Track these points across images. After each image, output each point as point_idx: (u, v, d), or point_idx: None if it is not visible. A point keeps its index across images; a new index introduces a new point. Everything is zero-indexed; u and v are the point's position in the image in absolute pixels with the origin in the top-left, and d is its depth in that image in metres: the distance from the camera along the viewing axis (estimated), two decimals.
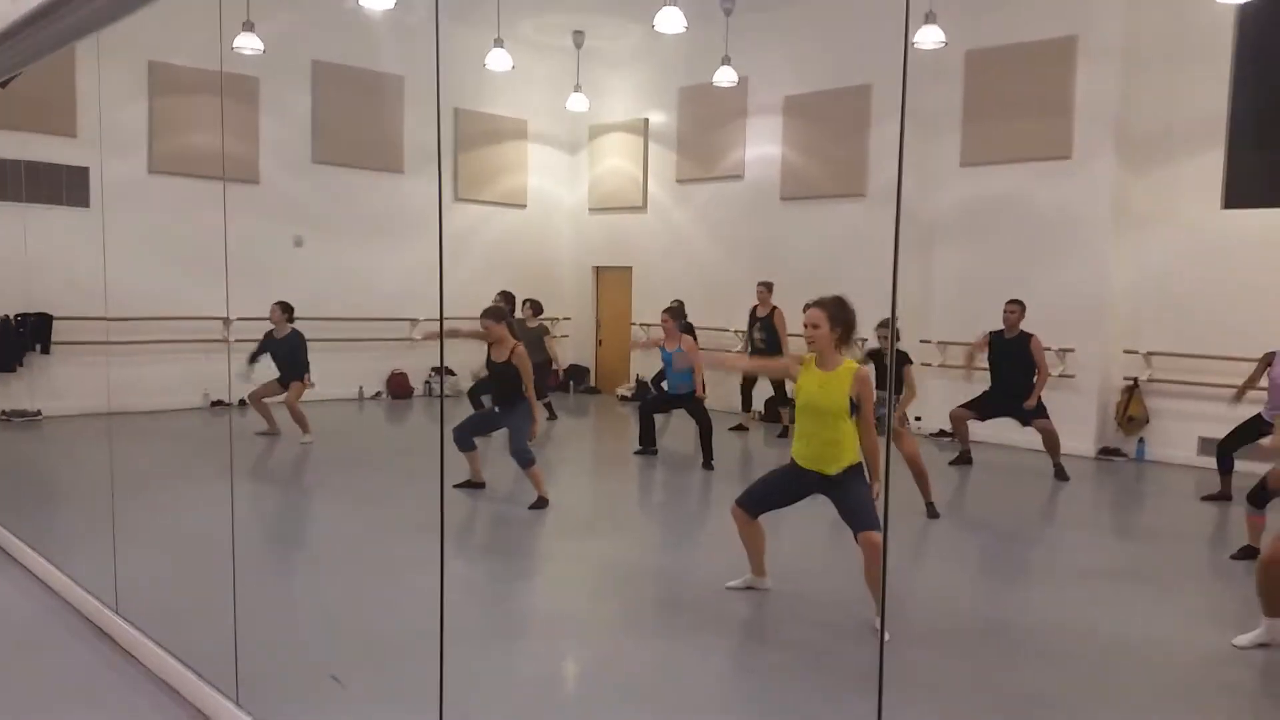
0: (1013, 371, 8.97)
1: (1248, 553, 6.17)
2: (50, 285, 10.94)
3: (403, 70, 13.49)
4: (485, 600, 5.35)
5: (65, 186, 11.12)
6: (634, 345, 12.89)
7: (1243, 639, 4.79)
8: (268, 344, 10.00)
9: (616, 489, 8.96)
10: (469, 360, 13.86)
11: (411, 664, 4.27)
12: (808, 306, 4.93)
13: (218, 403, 12.07)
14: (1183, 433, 9.96)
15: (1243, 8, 9.09)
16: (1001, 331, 9.05)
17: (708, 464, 9.21)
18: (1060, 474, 8.99)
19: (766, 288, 11.35)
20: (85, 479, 7.89)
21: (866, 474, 4.95)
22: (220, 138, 12.00)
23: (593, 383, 15.73)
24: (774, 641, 4.93)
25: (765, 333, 11.20)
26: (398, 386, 13.90)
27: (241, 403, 10.49)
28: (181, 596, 5.18)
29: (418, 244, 13.74)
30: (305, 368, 10.01)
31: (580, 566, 6.21)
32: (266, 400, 10.06)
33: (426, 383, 14.18)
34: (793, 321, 10.74)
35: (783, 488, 5.15)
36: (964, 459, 9.50)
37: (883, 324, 7.94)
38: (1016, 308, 8.99)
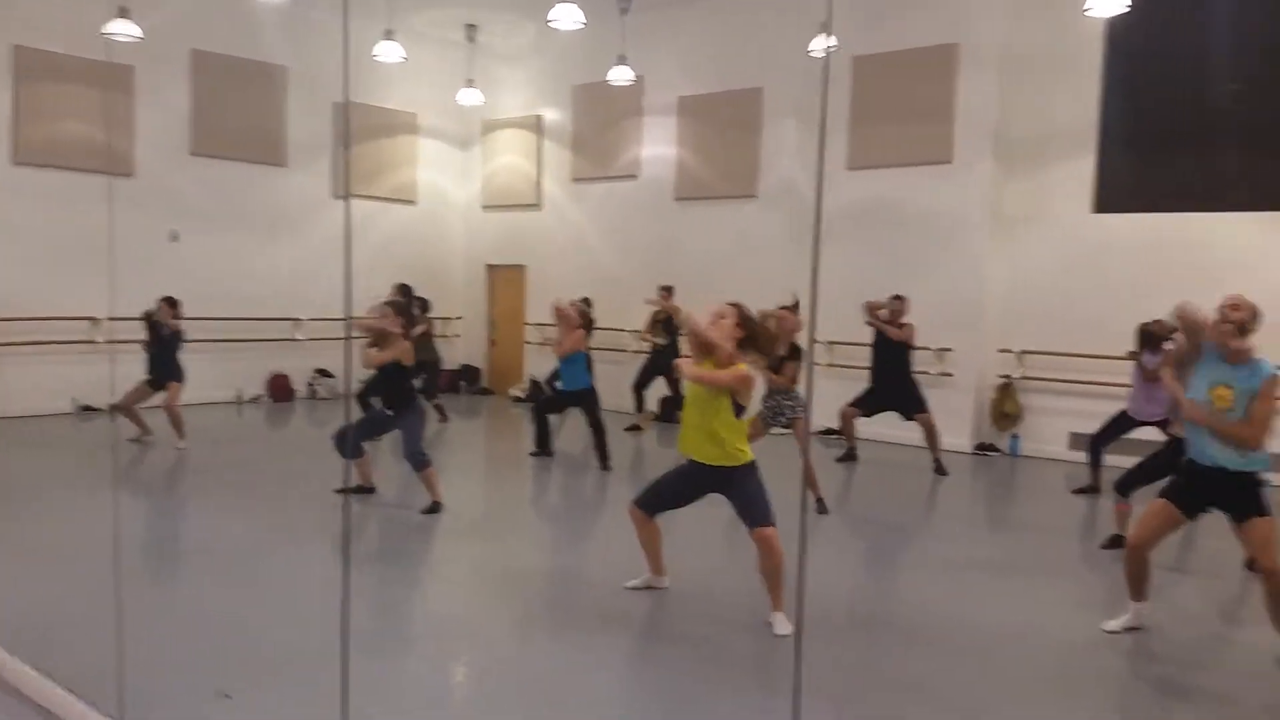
0: (896, 367, 9.25)
1: (1115, 542, 6.50)
2: None
3: (286, 61, 13.09)
4: (381, 607, 5.23)
5: None
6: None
7: (1112, 624, 5.05)
8: (149, 339, 9.56)
9: (512, 492, 8.88)
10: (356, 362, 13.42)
11: (306, 675, 4.15)
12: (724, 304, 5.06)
13: (87, 408, 11.46)
14: (1054, 428, 10.45)
15: (1112, 20, 9.54)
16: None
17: (604, 465, 9.18)
18: (939, 469, 9.31)
19: (667, 291, 11.41)
20: None
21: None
22: (90, 128, 11.43)
23: (485, 384, 15.56)
24: (671, 638, 4.96)
25: (667, 334, 11.27)
26: (279, 389, 13.46)
27: (114, 408, 9.91)
28: (55, 614, 4.91)
29: (300, 240, 13.38)
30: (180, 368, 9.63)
31: (476, 571, 6.13)
32: (138, 405, 9.61)
33: (310, 385, 13.78)
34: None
35: (679, 487, 5.19)
36: (850, 456, 9.75)
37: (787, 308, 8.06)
38: (898, 304, 9.29)
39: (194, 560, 6.30)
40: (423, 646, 4.82)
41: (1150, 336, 7.76)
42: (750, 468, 4.99)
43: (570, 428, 11.09)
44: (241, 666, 4.33)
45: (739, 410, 4.93)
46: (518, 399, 14.50)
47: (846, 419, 9.58)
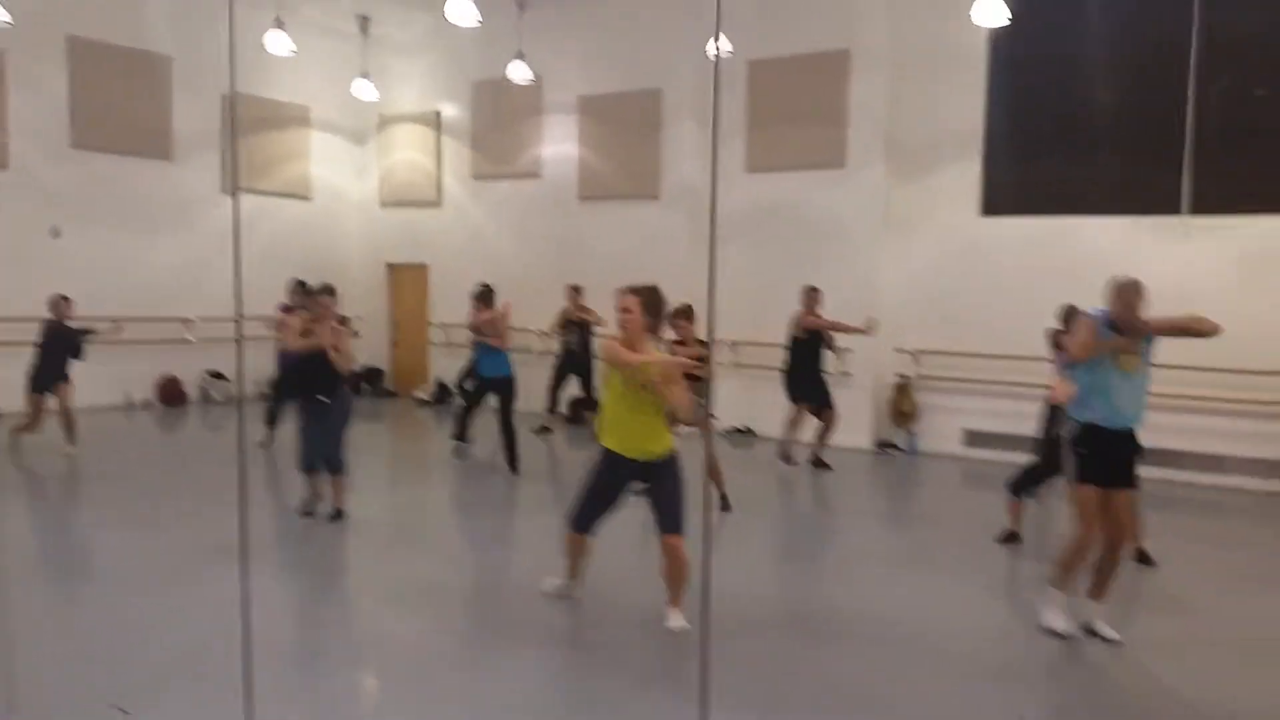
0: (813, 361, 9.44)
1: (1011, 538, 6.79)
2: None
3: (171, 50, 12.58)
4: (288, 621, 5.09)
5: None
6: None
7: (1058, 621, 5.09)
8: (48, 338, 9.06)
9: (421, 497, 8.74)
10: (257, 364, 13.13)
11: (207, 690, 4.02)
12: (621, 293, 4.92)
13: None
14: (950, 425, 10.80)
15: (996, 29, 9.88)
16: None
17: (514, 469, 9.04)
18: (821, 463, 9.51)
19: (576, 290, 11.36)
20: None
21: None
22: None
23: (389, 385, 15.25)
24: (585, 645, 4.98)
25: (579, 335, 11.23)
26: (169, 393, 12.95)
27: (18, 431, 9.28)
28: None
29: (188, 236, 12.91)
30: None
31: (387, 580, 6.02)
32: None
33: (202, 387, 13.30)
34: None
35: (606, 491, 5.06)
36: (789, 460, 9.63)
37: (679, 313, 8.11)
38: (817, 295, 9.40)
39: (89, 571, 6.03)
40: (331, 659, 4.72)
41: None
42: (674, 458, 4.99)
43: (479, 430, 10.92)
44: (138, 681, 4.17)
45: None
46: (423, 401, 14.25)
47: (796, 419, 9.55)
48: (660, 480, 4.95)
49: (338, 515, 7.05)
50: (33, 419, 9.07)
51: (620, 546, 6.66)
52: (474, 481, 9.16)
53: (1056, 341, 6.53)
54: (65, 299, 9.14)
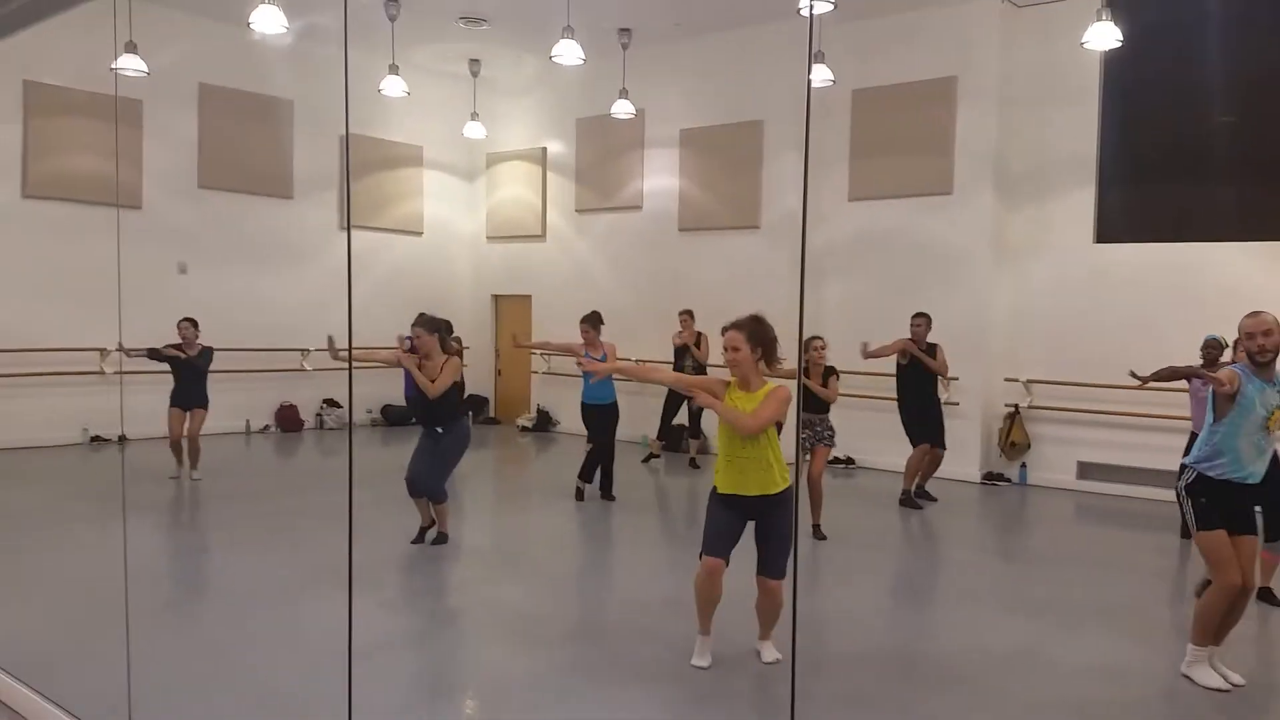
0: (930, 394, 9.30)
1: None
2: None
3: (292, 94, 13.24)
4: (392, 645, 5.22)
5: None
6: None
7: (1208, 678, 4.76)
8: (176, 364, 9.42)
9: (524, 523, 8.87)
10: (370, 392, 13.67)
11: (313, 714, 4.15)
12: (726, 329, 4.74)
13: (97, 438, 11.51)
14: (1062, 457, 10.45)
15: (1107, 54, 9.65)
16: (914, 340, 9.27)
17: (609, 494, 9.15)
18: (926, 497, 9.34)
19: (689, 315, 11.48)
20: None
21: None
22: (98, 161, 11.52)
23: (493, 413, 15.59)
24: (684, 675, 4.96)
25: (692, 360, 11.35)
26: (287, 419, 13.51)
27: (122, 438, 9.92)
28: (67, 645, 4.91)
29: (307, 271, 13.47)
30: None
31: (488, 606, 6.09)
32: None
33: (318, 415, 13.82)
34: (715, 348, 11.00)
35: (725, 527, 4.82)
36: (918, 498, 9.38)
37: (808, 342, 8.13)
38: (924, 320, 9.21)
39: (206, 595, 6.30)
40: (433, 687, 4.81)
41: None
42: (789, 494, 4.77)
43: (563, 453, 11.03)
44: (249, 706, 4.32)
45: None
46: (524, 428, 14.52)
47: (914, 460, 9.26)
48: (776, 515, 4.74)
49: (440, 539, 7.21)
50: (176, 435, 9.45)
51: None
52: (575, 510, 9.17)
53: (1197, 372, 5.95)
54: (191, 322, 9.51)
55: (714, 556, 4.74)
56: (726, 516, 4.78)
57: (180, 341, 9.42)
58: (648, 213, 13.55)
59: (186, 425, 9.44)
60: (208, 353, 9.56)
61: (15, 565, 6.51)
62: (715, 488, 4.82)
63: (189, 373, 9.44)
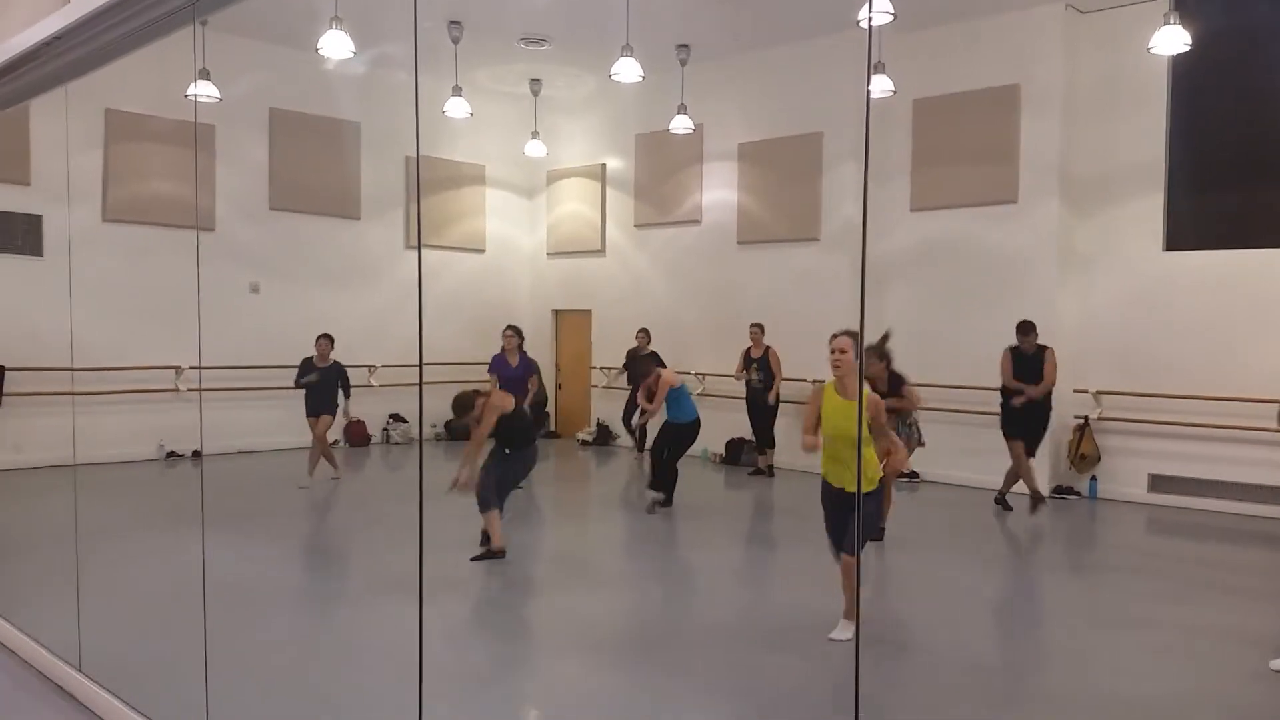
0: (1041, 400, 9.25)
1: None
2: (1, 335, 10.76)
3: (359, 117, 13.55)
4: (463, 657, 5.31)
5: (19, 235, 10.99)
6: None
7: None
8: (314, 372, 10.07)
9: (589, 535, 8.93)
10: (434, 406, 13.61)
11: None
12: (835, 336, 5.23)
13: (172, 454, 11.87)
14: (1133, 470, 10.21)
15: (1175, 58, 9.48)
16: (1018, 347, 9.27)
17: (668, 501, 9.16)
18: (1040, 500, 9.26)
19: (760, 328, 11.49)
20: (41, 534, 7.71)
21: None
22: (174, 185, 11.92)
23: (553, 427, 15.72)
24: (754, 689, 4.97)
25: (762, 372, 11.35)
26: (355, 434, 13.76)
27: (196, 454, 10.27)
28: (149, 655, 5.08)
29: (375, 290, 13.73)
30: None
31: (555, 617, 6.15)
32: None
33: (385, 430, 14.07)
34: (785, 362, 11.06)
35: (835, 514, 5.36)
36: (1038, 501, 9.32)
37: (871, 348, 8.18)
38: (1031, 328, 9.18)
39: (284, 605, 6.45)
40: (502, 698, 4.87)
41: None
42: (879, 490, 5.49)
43: (623, 467, 11.07)
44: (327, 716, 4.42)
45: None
46: (585, 442, 14.62)
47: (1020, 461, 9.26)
48: (867, 508, 5.37)
49: (499, 554, 7.21)
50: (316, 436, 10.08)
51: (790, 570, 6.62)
52: (642, 522, 9.18)
53: None
54: (328, 338, 10.13)
55: (844, 550, 5.35)
56: (833, 513, 5.37)
57: (313, 355, 10.15)
58: (706, 226, 13.58)
59: (317, 429, 10.07)
60: (337, 365, 10.26)
61: (102, 578, 6.73)
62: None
63: (321, 384, 10.11)
